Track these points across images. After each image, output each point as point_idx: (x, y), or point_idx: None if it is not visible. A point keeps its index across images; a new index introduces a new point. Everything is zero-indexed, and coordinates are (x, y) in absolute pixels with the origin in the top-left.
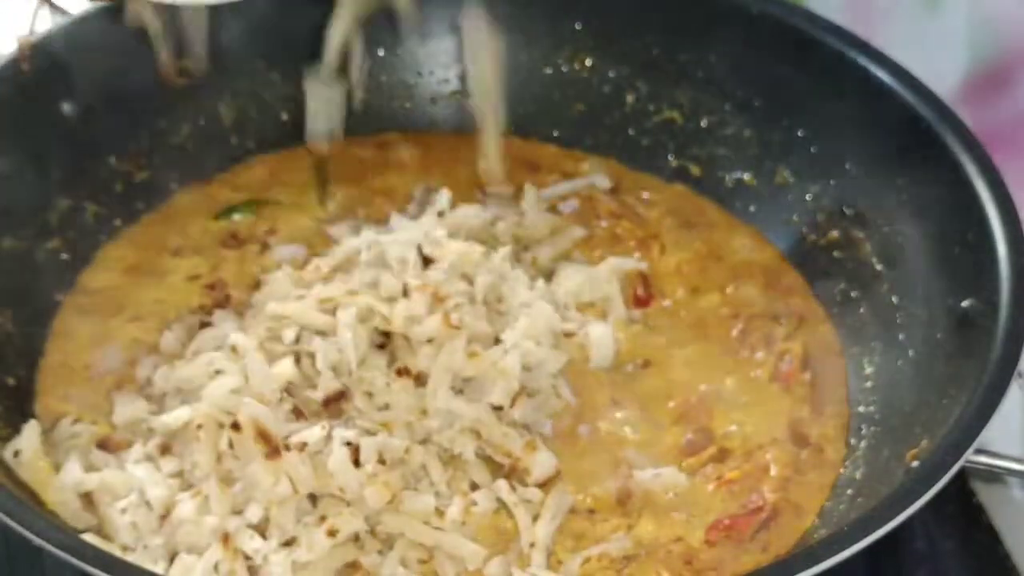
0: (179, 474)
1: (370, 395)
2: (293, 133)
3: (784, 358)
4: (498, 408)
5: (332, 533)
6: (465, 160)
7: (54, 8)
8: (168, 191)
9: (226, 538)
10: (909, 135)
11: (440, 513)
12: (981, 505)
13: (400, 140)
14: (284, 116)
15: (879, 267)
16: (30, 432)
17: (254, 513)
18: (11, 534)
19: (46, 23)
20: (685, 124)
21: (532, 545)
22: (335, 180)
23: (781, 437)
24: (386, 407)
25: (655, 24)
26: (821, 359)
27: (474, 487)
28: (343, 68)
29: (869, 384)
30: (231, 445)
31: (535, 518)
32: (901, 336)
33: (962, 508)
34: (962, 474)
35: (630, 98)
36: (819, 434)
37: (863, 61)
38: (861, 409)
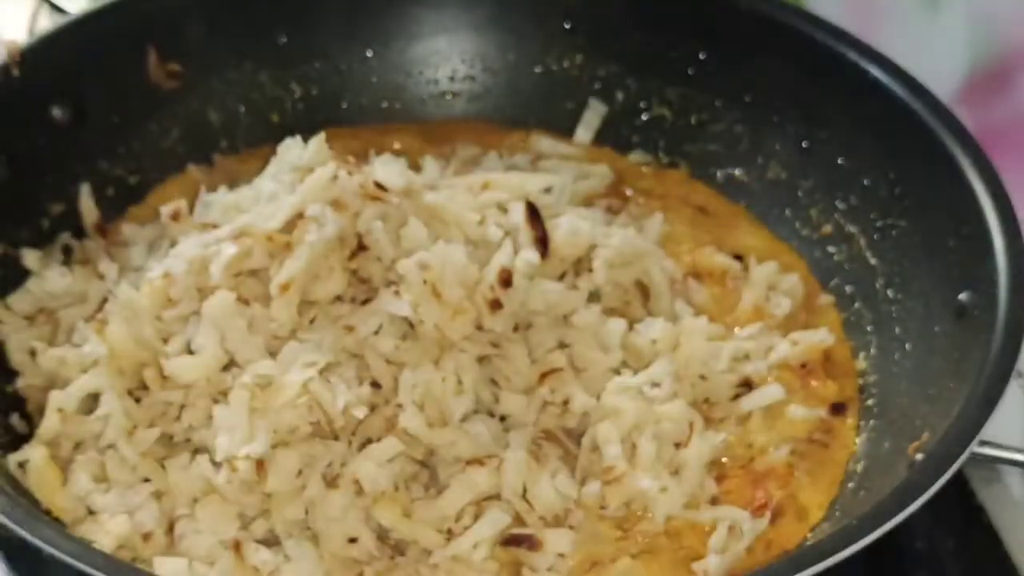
0: None
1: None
2: (282, 135)
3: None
4: None
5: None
6: None
7: (54, 8)
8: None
9: (237, 546)
10: (903, 130)
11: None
12: (981, 505)
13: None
14: (273, 118)
15: (874, 261)
16: (38, 442)
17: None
18: (11, 536)
19: (46, 23)
20: (675, 121)
21: None
22: None
23: (793, 436)
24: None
25: (644, 22)
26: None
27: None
28: None
29: (866, 378)
30: None
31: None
32: (898, 330)
33: (962, 508)
34: (962, 475)
35: (620, 96)
36: (829, 432)
37: (853, 56)
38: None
